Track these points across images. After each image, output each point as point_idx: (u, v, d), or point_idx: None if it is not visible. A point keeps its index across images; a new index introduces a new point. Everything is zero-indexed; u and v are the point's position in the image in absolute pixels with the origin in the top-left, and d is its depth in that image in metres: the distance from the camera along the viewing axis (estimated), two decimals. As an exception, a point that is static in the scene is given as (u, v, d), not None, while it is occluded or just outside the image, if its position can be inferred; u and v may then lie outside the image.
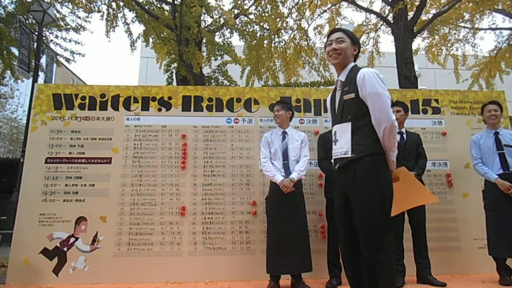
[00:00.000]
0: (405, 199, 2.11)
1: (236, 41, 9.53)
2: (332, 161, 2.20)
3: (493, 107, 3.59)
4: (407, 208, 2.51)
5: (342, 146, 2.05)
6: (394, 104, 3.69)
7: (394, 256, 1.91)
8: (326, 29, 9.42)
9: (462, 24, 9.58)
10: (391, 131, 1.94)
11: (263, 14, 8.70)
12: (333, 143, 2.15)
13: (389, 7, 8.04)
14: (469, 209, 3.94)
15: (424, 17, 8.64)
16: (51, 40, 9.65)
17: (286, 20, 8.82)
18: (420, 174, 3.50)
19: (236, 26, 8.75)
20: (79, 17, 9.35)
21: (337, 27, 2.28)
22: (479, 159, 3.55)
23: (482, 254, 3.68)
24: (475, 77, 10.23)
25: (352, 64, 2.16)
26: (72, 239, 3.62)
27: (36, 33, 8.46)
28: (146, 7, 8.24)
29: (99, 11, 8.25)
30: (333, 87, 2.29)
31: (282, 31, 9.02)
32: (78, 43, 9.89)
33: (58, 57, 9.85)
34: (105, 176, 3.80)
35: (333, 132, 2.18)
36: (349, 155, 2.01)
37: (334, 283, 3.28)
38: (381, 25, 9.45)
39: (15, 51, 8.73)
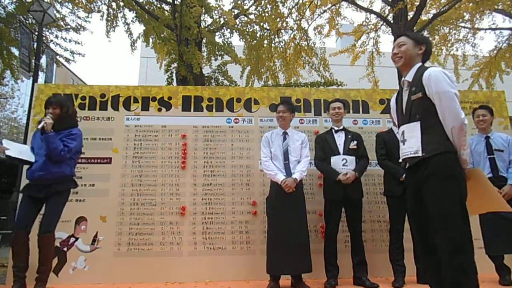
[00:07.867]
0: (477, 203, 2.03)
1: (236, 41, 9.52)
2: (401, 161, 2.18)
3: (481, 112, 3.62)
4: (476, 213, 2.36)
5: (412, 145, 2.03)
6: None
7: (473, 258, 1.83)
8: (326, 29, 9.42)
9: (462, 24, 9.56)
10: (460, 129, 1.89)
11: (263, 14, 8.70)
12: (401, 143, 2.13)
13: (389, 7, 8.03)
14: (469, 209, 3.93)
15: (424, 17, 8.63)
16: (51, 40, 9.62)
17: (286, 20, 8.82)
18: None
19: (236, 26, 8.73)
20: (79, 17, 9.33)
21: (401, 35, 2.27)
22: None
23: (481, 254, 3.64)
24: (475, 77, 10.21)
25: (419, 64, 2.15)
26: (72, 239, 3.62)
27: (36, 33, 8.45)
28: (146, 7, 8.24)
29: (99, 11, 8.25)
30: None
31: (282, 31, 9.01)
32: (78, 43, 9.86)
33: (58, 57, 9.83)
34: (105, 176, 3.80)
35: (400, 132, 2.16)
36: (420, 154, 1.98)
37: (332, 283, 3.27)
38: (381, 25, 9.43)
39: (15, 51, 8.72)
